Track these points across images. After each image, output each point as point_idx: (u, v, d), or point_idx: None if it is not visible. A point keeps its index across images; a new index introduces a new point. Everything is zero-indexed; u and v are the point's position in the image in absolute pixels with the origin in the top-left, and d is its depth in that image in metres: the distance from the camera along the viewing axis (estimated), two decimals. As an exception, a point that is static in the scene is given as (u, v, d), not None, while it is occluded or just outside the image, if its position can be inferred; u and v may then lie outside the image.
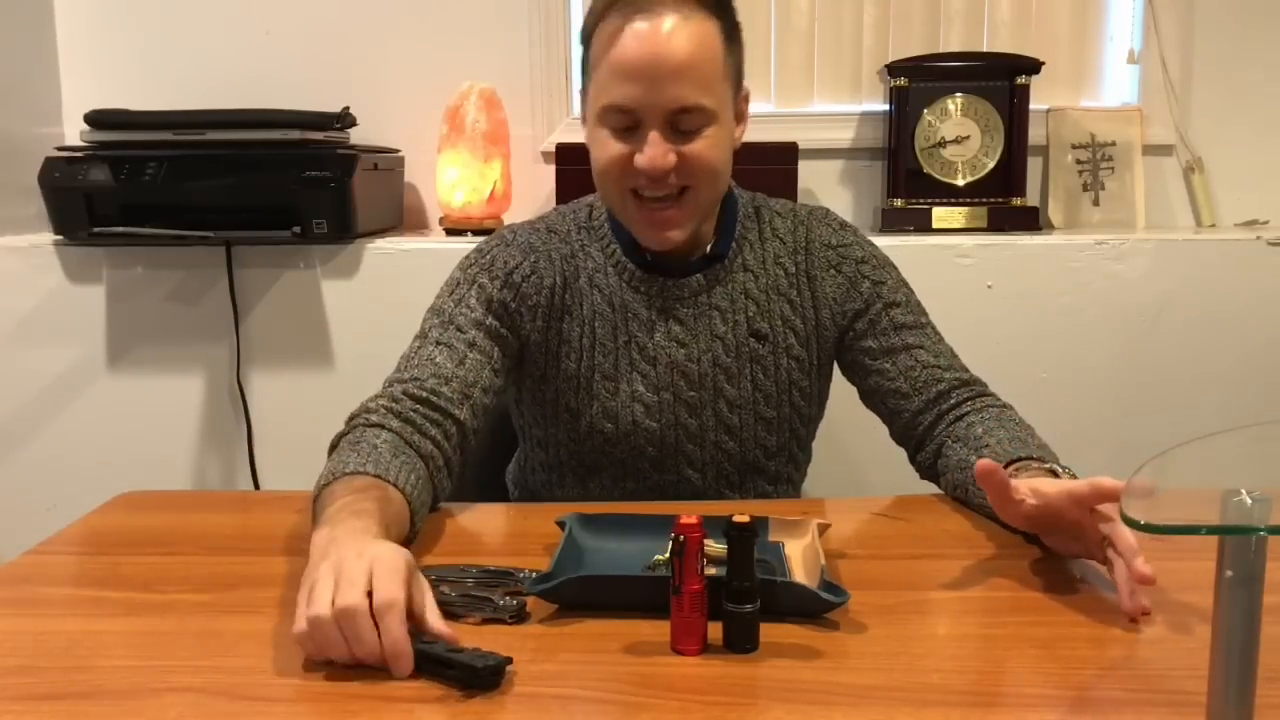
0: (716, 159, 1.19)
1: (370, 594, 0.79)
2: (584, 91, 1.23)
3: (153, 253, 1.98)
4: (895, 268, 1.33)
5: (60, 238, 1.95)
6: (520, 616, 0.87)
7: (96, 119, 1.90)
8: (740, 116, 1.24)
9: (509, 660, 0.78)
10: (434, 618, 0.82)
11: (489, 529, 1.13)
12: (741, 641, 0.82)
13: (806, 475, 1.41)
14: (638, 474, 1.28)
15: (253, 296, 1.98)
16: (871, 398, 1.30)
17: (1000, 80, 2.05)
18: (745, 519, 0.81)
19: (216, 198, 1.88)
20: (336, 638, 0.78)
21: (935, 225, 2.04)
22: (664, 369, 1.26)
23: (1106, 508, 0.91)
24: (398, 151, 2.15)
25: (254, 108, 1.97)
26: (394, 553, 0.84)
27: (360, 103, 2.04)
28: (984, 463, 0.96)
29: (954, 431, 1.22)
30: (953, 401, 1.24)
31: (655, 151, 1.15)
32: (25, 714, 0.74)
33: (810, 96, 2.21)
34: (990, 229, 2.03)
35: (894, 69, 2.06)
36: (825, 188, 2.19)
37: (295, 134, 1.87)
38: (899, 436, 1.30)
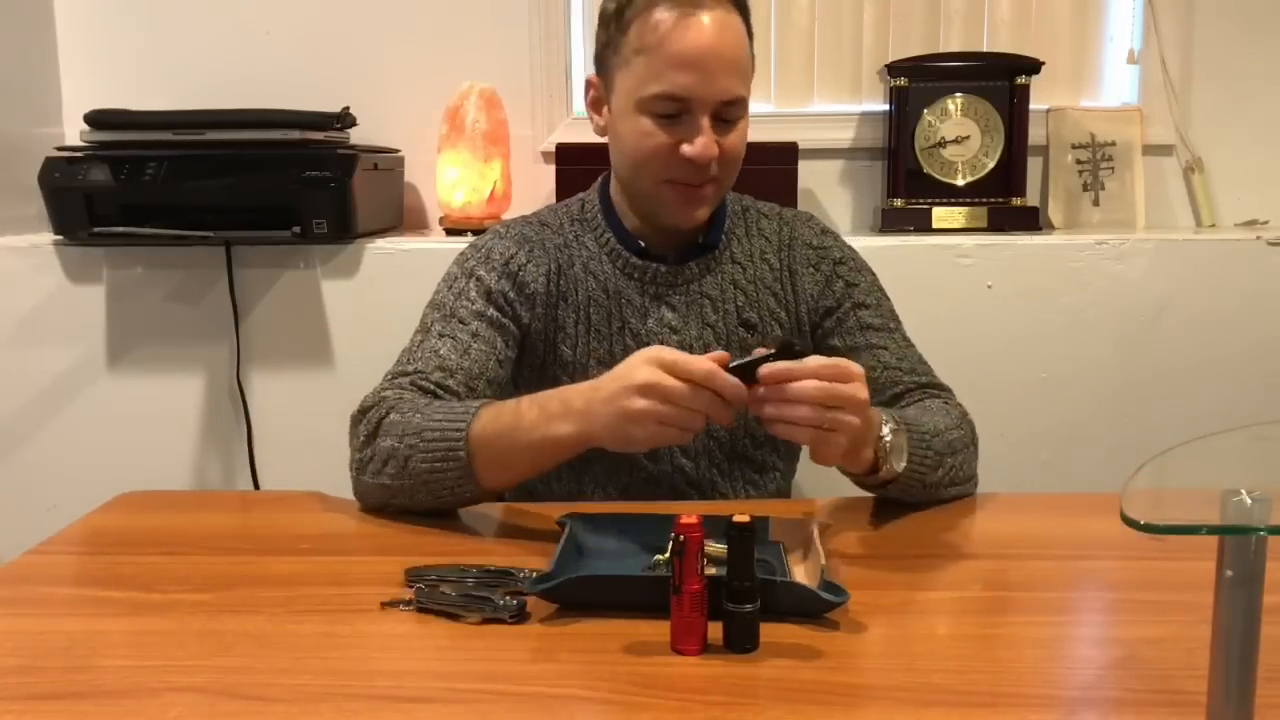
0: (742, 149, 1.25)
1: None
2: (604, 77, 1.25)
3: (153, 253, 1.97)
4: (873, 273, 1.36)
5: (60, 238, 1.95)
6: (520, 616, 0.87)
7: (96, 119, 1.90)
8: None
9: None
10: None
11: (489, 529, 1.13)
12: (741, 641, 0.82)
13: (796, 471, 1.41)
14: (632, 466, 1.28)
15: (253, 296, 1.98)
16: None
17: (1000, 80, 2.05)
18: (745, 519, 0.81)
19: (216, 198, 1.88)
20: (674, 386, 0.93)
21: (935, 225, 2.04)
22: None
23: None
24: (398, 151, 2.15)
25: (254, 108, 1.97)
26: (632, 357, 0.98)
27: (360, 103, 2.04)
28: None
29: None
30: (904, 403, 1.25)
31: (707, 140, 1.19)
32: (25, 714, 0.74)
33: (810, 96, 2.21)
34: (990, 229, 2.03)
35: (894, 69, 2.06)
36: (825, 188, 2.19)
37: (295, 134, 1.86)
38: None
